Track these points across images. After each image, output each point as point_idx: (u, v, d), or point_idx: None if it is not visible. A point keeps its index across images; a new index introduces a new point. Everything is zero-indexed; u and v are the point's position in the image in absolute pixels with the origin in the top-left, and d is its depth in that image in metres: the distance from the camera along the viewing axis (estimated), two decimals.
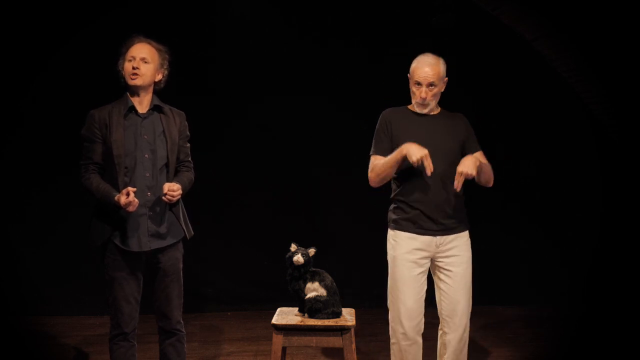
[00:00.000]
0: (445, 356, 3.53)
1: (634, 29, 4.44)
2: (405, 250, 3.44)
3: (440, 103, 3.58)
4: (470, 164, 3.28)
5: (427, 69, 3.40)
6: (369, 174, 3.51)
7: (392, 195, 3.57)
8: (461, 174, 3.26)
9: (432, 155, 3.32)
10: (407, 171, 3.43)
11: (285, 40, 5.58)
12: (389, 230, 3.56)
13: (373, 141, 3.55)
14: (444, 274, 3.49)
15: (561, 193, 5.80)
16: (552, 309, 5.56)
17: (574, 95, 5.31)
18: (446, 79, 3.49)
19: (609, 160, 5.54)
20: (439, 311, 3.55)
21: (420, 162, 3.25)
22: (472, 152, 3.49)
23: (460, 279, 3.47)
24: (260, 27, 5.53)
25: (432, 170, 3.27)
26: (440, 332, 3.58)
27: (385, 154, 3.46)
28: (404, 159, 3.33)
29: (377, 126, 3.57)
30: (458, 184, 3.28)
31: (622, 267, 5.52)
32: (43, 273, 5.39)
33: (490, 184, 3.54)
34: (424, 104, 3.45)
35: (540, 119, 5.70)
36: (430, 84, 3.41)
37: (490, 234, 5.51)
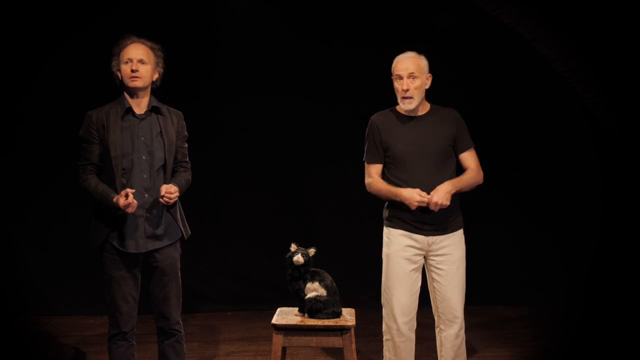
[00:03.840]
0: (444, 352, 3.58)
1: (634, 29, 4.44)
2: (398, 248, 3.50)
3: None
4: (442, 195, 3.34)
5: (406, 62, 3.43)
6: (366, 182, 3.58)
7: None
8: (435, 205, 3.33)
9: (421, 156, 3.42)
10: (400, 169, 3.46)
11: (284, 40, 5.58)
12: (384, 227, 3.61)
13: (365, 147, 3.59)
14: (436, 272, 3.54)
15: (561, 193, 5.80)
16: (552, 309, 5.56)
17: (574, 96, 5.31)
18: (430, 75, 3.49)
19: (609, 160, 5.53)
20: (433, 309, 3.60)
21: (417, 206, 3.35)
22: (462, 149, 3.53)
23: (452, 277, 3.51)
24: (259, 26, 5.53)
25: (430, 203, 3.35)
26: (437, 330, 3.62)
27: (377, 160, 3.53)
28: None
29: (366, 132, 3.59)
30: (433, 208, 3.34)
31: (622, 267, 5.51)
32: (43, 273, 5.39)
33: (480, 183, 3.56)
34: (407, 97, 3.43)
35: (540, 119, 5.70)
36: (411, 75, 3.40)
37: (490, 234, 5.52)
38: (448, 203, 3.35)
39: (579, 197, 5.77)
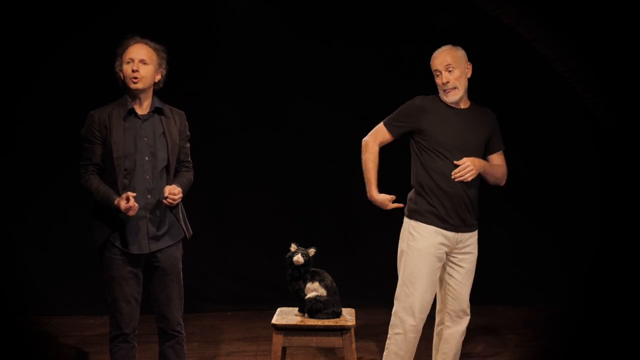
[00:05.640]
0: (447, 350, 3.58)
1: (634, 29, 4.44)
2: (429, 244, 3.42)
3: None
4: (478, 164, 3.37)
5: (441, 56, 3.44)
6: (365, 140, 3.52)
7: (412, 181, 3.54)
8: (464, 169, 3.33)
9: (459, 148, 3.39)
10: (431, 160, 3.42)
11: (284, 40, 5.58)
12: (408, 220, 3.51)
13: (393, 115, 3.51)
14: (455, 269, 3.51)
15: (561, 193, 5.80)
16: (552, 309, 5.56)
17: (574, 96, 5.30)
18: (470, 64, 3.48)
19: (609, 160, 5.53)
20: (442, 306, 3.59)
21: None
22: (494, 150, 3.54)
23: (469, 275, 3.54)
24: (259, 26, 5.53)
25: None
26: (440, 327, 3.61)
27: (394, 131, 3.48)
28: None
29: (403, 108, 3.50)
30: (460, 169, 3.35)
31: (622, 267, 5.52)
32: (43, 273, 5.39)
33: (502, 184, 3.57)
34: (449, 89, 3.41)
35: (540, 119, 5.70)
36: (449, 67, 3.40)
37: (490, 234, 5.48)
38: (474, 174, 3.36)
39: (579, 197, 5.77)
